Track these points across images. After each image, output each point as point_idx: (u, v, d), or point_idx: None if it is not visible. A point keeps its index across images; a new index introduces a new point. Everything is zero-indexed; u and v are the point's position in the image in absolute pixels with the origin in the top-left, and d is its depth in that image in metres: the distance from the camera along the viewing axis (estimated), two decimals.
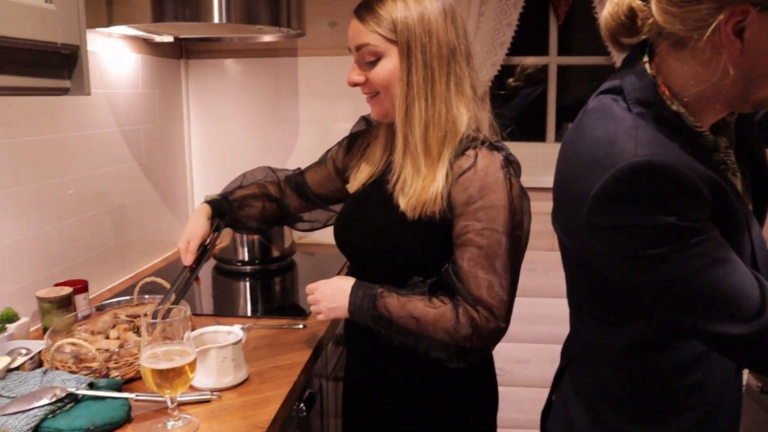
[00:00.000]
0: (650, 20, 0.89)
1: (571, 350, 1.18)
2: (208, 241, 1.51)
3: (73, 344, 1.33)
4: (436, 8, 1.24)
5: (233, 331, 1.38)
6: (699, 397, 1.05)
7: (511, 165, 1.23)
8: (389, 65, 1.25)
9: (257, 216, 1.61)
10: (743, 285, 0.85)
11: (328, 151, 1.61)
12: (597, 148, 0.89)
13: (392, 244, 1.28)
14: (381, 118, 1.34)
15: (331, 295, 1.34)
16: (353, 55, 1.30)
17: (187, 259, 1.46)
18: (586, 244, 0.93)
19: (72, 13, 1.09)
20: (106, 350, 1.37)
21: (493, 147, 1.23)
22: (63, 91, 1.12)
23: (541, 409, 1.27)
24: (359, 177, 1.42)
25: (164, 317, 1.20)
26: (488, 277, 1.18)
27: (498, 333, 1.20)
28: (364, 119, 1.54)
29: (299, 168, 1.67)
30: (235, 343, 1.32)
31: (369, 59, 1.26)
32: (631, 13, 0.91)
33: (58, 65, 1.10)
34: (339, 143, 1.58)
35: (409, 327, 1.23)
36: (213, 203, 1.57)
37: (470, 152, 1.22)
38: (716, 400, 1.07)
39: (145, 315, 1.17)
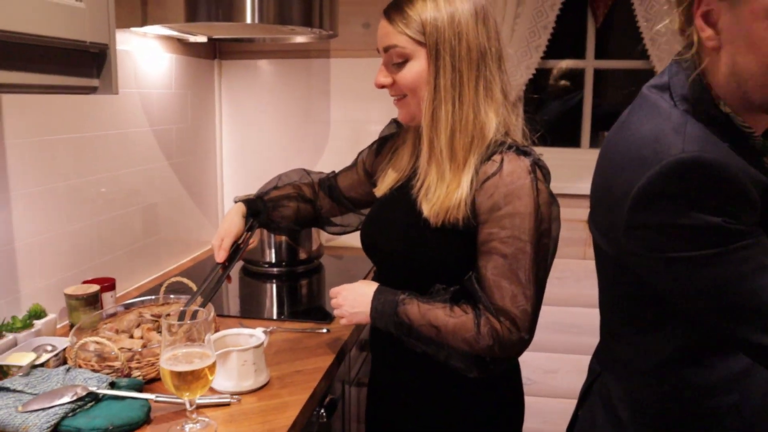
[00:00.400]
0: None
1: (600, 363, 1.14)
2: (241, 240, 1.52)
3: (97, 342, 1.33)
4: (467, 9, 1.20)
5: (255, 335, 1.37)
6: (736, 418, 1.00)
7: (540, 170, 1.19)
8: (417, 68, 1.22)
9: (291, 217, 1.61)
10: None
11: (359, 154, 1.59)
12: (642, 144, 0.85)
13: (415, 249, 1.26)
14: (408, 121, 1.32)
15: (353, 299, 1.32)
16: (381, 56, 1.28)
17: (220, 256, 1.47)
18: (626, 246, 0.89)
19: (101, 12, 1.09)
20: (129, 349, 1.37)
21: (521, 152, 1.19)
22: (91, 90, 1.12)
23: (567, 423, 1.23)
24: (386, 181, 1.40)
25: (192, 318, 1.21)
26: (512, 287, 1.14)
27: (521, 344, 1.17)
28: (395, 122, 1.52)
29: (333, 171, 1.65)
30: (257, 347, 1.31)
31: (396, 61, 1.24)
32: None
33: (87, 64, 1.10)
34: (369, 146, 1.56)
35: (429, 335, 1.20)
36: (248, 203, 1.56)
37: (496, 157, 1.18)
38: (755, 423, 1.02)
39: (168, 315, 1.17)
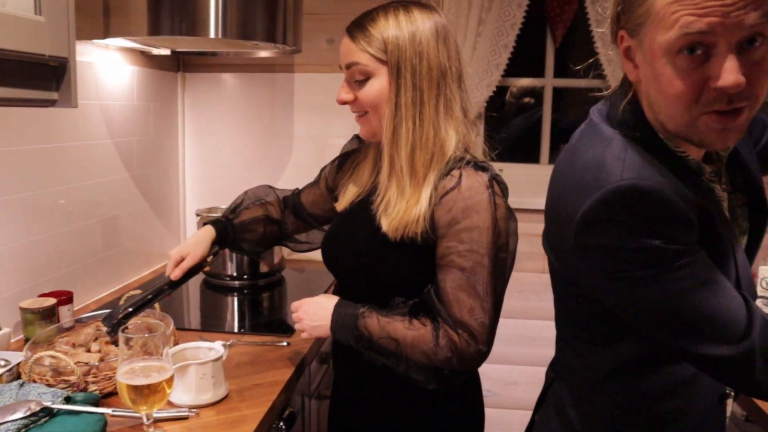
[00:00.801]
0: None
1: (555, 370, 1.17)
2: (201, 264, 1.51)
3: (52, 357, 1.32)
4: (428, 29, 1.23)
5: (214, 348, 1.37)
6: (682, 422, 1.04)
7: (497, 185, 1.21)
8: (378, 85, 1.25)
9: (257, 241, 1.62)
10: (730, 306, 0.85)
11: (322, 170, 1.61)
12: (586, 170, 0.90)
13: (375, 264, 1.28)
14: (369, 137, 1.34)
15: (314, 313, 1.33)
16: (344, 73, 1.30)
17: (175, 274, 1.46)
18: (574, 265, 0.94)
19: (61, 26, 1.09)
20: (86, 363, 1.36)
21: (479, 167, 1.21)
22: (50, 103, 1.12)
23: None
24: (347, 196, 1.42)
25: (122, 323, 1.30)
26: (470, 300, 1.17)
27: (479, 356, 1.19)
28: (357, 138, 1.53)
29: (297, 188, 1.67)
30: (215, 360, 1.31)
31: (358, 78, 1.26)
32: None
33: (46, 77, 1.10)
34: (332, 162, 1.58)
35: (388, 348, 1.22)
36: (217, 226, 1.56)
37: (455, 172, 1.20)
38: (699, 428, 1.06)
39: (126, 329, 1.16)
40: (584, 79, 2.57)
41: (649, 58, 0.85)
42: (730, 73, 0.80)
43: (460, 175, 1.19)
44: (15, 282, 1.67)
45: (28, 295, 1.69)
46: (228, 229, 1.57)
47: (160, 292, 1.43)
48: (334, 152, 2.39)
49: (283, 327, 1.81)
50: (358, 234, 1.32)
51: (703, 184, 0.94)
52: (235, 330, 1.81)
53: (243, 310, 2.03)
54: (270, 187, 1.71)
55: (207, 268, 1.58)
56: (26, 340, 1.60)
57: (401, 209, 1.23)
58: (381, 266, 1.27)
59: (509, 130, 2.96)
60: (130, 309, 1.37)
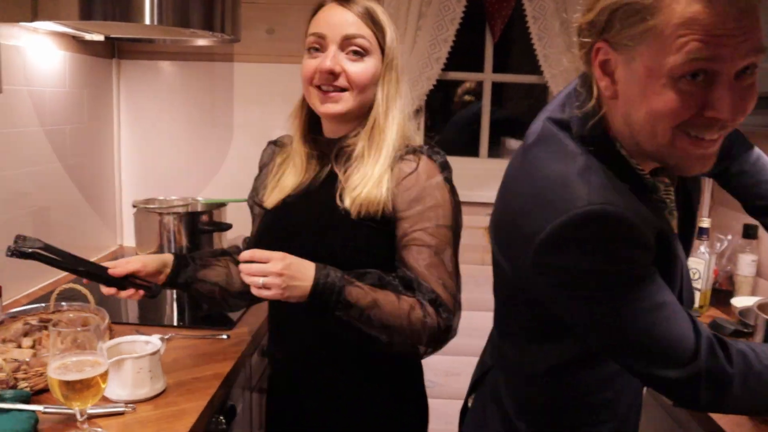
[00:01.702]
0: None
1: (491, 358, 1.19)
2: (144, 282, 1.34)
3: None
4: (395, 32, 1.34)
5: (152, 341, 1.34)
6: (612, 411, 1.08)
7: (447, 170, 1.29)
8: (373, 66, 1.28)
9: (221, 282, 1.45)
10: (681, 329, 0.88)
11: (248, 199, 1.54)
12: (548, 188, 0.90)
13: (334, 246, 1.26)
14: (338, 115, 1.30)
15: (296, 269, 1.16)
16: (329, 44, 1.27)
17: (117, 271, 1.31)
18: (530, 278, 0.94)
19: None
20: (15, 360, 1.31)
21: (433, 152, 1.29)
22: None
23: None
24: (280, 191, 1.38)
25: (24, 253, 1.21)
26: (441, 275, 1.21)
27: (451, 329, 1.23)
28: (272, 143, 1.53)
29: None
30: (153, 354, 1.29)
31: (356, 51, 1.26)
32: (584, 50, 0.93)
33: None
34: (252, 187, 1.53)
35: (375, 316, 1.18)
36: (177, 257, 1.42)
37: (411, 157, 1.27)
38: (627, 416, 1.11)
39: (57, 323, 1.13)
40: (523, 75, 2.63)
41: (641, 77, 0.84)
42: (728, 104, 0.81)
43: (419, 160, 1.26)
44: None
45: None
46: (188, 259, 1.43)
47: (84, 268, 1.30)
48: None
49: (224, 320, 1.78)
50: (311, 217, 1.31)
51: (656, 202, 0.97)
52: (174, 323, 1.78)
53: (182, 303, 1.99)
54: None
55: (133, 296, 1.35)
56: None
57: (366, 188, 1.25)
58: (341, 247, 1.25)
59: (451, 125, 3.00)
60: (40, 250, 1.24)
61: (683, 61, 0.80)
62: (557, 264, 0.89)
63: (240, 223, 2.29)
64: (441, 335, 1.23)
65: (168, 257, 1.40)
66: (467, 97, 3.19)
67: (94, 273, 1.30)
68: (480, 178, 2.50)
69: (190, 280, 1.40)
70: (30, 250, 1.23)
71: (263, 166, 1.51)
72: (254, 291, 1.14)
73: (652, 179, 0.96)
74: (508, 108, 3.03)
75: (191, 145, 2.49)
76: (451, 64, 2.44)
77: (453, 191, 1.29)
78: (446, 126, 3.00)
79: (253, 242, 1.46)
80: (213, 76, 2.45)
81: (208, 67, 2.45)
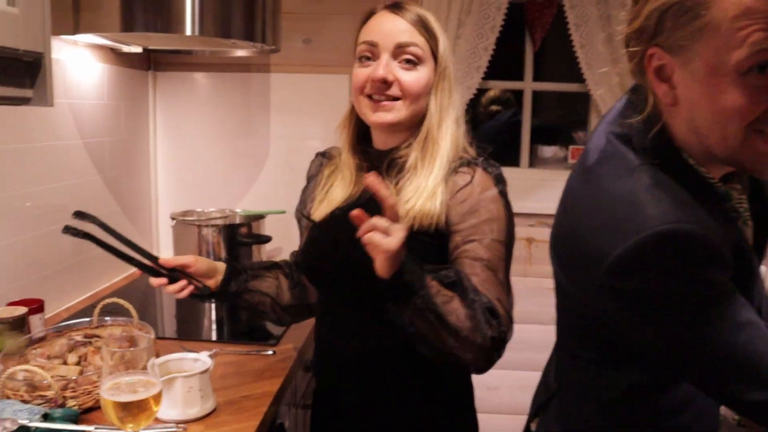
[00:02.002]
0: None
1: (558, 381, 1.14)
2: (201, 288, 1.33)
3: (27, 371, 1.24)
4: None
5: (200, 359, 1.31)
6: None
7: (502, 183, 1.25)
8: (426, 75, 1.25)
9: (272, 293, 1.44)
10: (766, 348, 0.82)
11: (296, 212, 1.50)
12: (616, 208, 0.85)
13: None
14: (392, 125, 1.26)
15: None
16: (381, 52, 1.24)
17: (167, 260, 1.32)
18: (599, 302, 0.89)
19: (37, 19, 1.03)
20: (63, 377, 1.28)
21: (488, 165, 1.25)
22: (23, 101, 1.05)
23: None
24: (329, 203, 1.35)
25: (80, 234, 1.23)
26: (496, 290, 1.15)
27: (504, 345, 1.16)
28: (320, 155, 1.49)
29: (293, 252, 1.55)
30: (203, 372, 1.25)
31: (409, 60, 1.23)
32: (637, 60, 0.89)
33: (19, 73, 1.03)
34: (300, 199, 1.49)
35: (447, 318, 1.09)
36: (229, 264, 1.42)
37: (466, 169, 1.23)
38: None
39: (110, 342, 1.10)
40: (564, 83, 2.57)
41: (703, 77, 0.79)
42: None
43: (474, 172, 1.22)
44: None
45: None
46: (239, 267, 1.43)
47: (141, 257, 1.31)
48: (309, 153, 2.33)
49: (265, 334, 1.75)
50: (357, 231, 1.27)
51: (729, 211, 0.91)
52: (214, 338, 1.75)
53: (220, 316, 1.96)
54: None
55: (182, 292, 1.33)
56: None
57: (420, 199, 1.21)
58: None
59: (480, 135, 2.95)
60: (98, 225, 1.33)
61: (748, 54, 0.75)
62: (628, 287, 0.84)
63: (279, 236, 2.27)
64: (496, 349, 1.16)
65: (219, 264, 1.40)
66: (493, 107, 3.15)
67: (145, 264, 1.31)
68: (521, 188, 2.44)
69: (241, 290, 1.39)
70: (84, 232, 1.27)
71: (311, 178, 1.48)
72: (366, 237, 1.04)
73: (724, 187, 0.91)
74: (540, 117, 2.98)
75: (227, 156, 2.47)
76: (487, 73, 2.40)
77: (508, 205, 1.24)
78: (474, 136, 2.95)
79: (301, 255, 1.43)
80: (249, 87, 2.43)
81: (244, 78, 2.43)
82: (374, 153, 1.34)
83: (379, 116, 1.26)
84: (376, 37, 1.24)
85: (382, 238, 1.00)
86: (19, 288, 1.70)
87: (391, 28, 1.24)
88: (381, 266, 1.03)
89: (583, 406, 1.06)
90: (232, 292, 1.39)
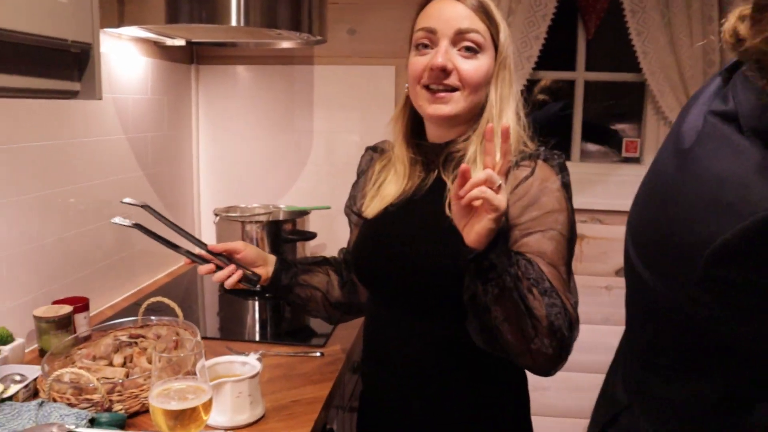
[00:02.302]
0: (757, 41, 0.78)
1: (629, 394, 1.05)
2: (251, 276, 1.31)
3: (73, 373, 1.21)
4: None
5: (249, 362, 1.26)
6: None
7: (565, 174, 1.16)
8: (487, 64, 1.18)
9: (323, 288, 1.40)
10: None
11: (345, 208, 1.45)
12: (723, 189, 0.76)
13: (442, 258, 1.14)
14: (450, 117, 1.19)
15: None
16: (440, 39, 1.17)
17: (215, 245, 1.30)
18: (695, 295, 0.81)
19: (84, 9, 0.98)
20: (109, 380, 1.25)
21: (549, 156, 1.16)
22: (71, 95, 1.01)
23: None
24: (381, 199, 1.29)
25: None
26: (559, 286, 1.06)
27: (572, 347, 1.08)
28: (371, 149, 1.44)
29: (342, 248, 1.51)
30: (252, 377, 1.20)
31: (469, 47, 1.16)
32: (736, 37, 0.80)
33: (67, 65, 0.99)
34: (350, 195, 1.44)
35: (527, 298, 1.02)
36: (279, 257, 1.40)
37: (527, 162, 1.14)
38: None
39: (157, 345, 1.05)
40: (618, 73, 2.46)
41: None
42: None
43: (535, 165, 1.14)
44: (28, 288, 1.56)
45: (41, 302, 1.58)
46: (288, 261, 1.40)
47: (191, 243, 1.32)
48: (352, 148, 2.28)
49: (311, 334, 1.70)
50: (416, 228, 1.21)
51: None
52: (258, 338, 1.70)
53: (264, 316, 1.92)
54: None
55: (232, 276, 1.29)
56: (41, 351, 1.50)
57: None
58: (452, 256, 1.10)
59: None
60: (149, 210, 1.33)
61: None
62: (734, 277, 0.75)
63: (323, 232, 2.22)
64: (566, 348, 1.06)
65: (269, 255, 1.38)
66: (540, 96, 3.04)
67: (193, 253, 1.29)
68: (573, 183, 2.34)
69: (292, 283, 1.37)
70: (131, 223, 1.27)
71: (361, 173, 1.42)
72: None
73: None
74: (588, 109, 2.86)
75: (270, 150, 2.43)
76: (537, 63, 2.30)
77: (570, 198, 1.15)
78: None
79: (351, 253, 1.37)
80: (292, 80, 2.38)
81: (287, 70, 2.38)
82: (429, 147, 1.27)
83: (437, 108, 1.19)
84: (435, 23, 1.17)
85: (495, 195, 0.92)
86: (64, 286, 1.68)
87: (451, 14, 1.16)
88: (483, 230, 0.95)
89: (663, 423, 0.97)
90: (283, 285, 1.36)
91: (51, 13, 0.91)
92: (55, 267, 1.65)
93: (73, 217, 1.72)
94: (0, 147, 1.44)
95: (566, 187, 1.15)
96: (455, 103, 1.18)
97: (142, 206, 1.33)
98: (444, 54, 1.16)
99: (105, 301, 1.88)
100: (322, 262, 1.46)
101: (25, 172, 1.53)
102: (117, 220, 1.26)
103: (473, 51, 1.16)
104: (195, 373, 1.03)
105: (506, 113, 1.19)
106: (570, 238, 1.13)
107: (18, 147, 1.50)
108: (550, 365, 1.06)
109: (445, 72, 1.16)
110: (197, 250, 1.32)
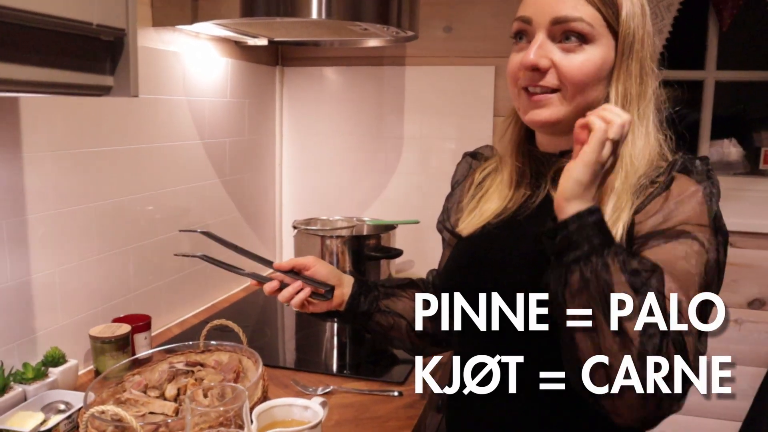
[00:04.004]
0: None
1: None
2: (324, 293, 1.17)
3: (114, 413, 1.06)
4: (645, 8, 0.96)
5: (311, 407, 1.07)
6: None
7: (710, 185, 0.90)
8: (599, 57, 0.92)
9: (408, 315, 1.21)
10: None
11: (438, 224, 1.25)
12: None
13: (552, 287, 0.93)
14: (550, 125, 0.98)
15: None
16: (536, 30, 0.95)
17: (280, 263, 1.17)
18: None
19: None
20: (155, 417, 1.10)
21: (689, 164, 0.92)
22: (103, 91, 0.85)
23: None
24: (482, 212, 1.09)
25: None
26: (682, 307, 0.82)
27: (684, 397, 0.81)
28: (469, 156, 1.23)
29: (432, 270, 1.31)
30: (313, 427, 1.01)
31: (570, 39, 0.93)
32: None
33: (98, 56, 0.84)
34: (442, 211, 1.24)
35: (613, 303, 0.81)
36: (360, 281, 1.23)
37: (662, 178, 0.91)
38: None
39: (193, 392, 0.89)
40: (757, 72, 2.12)
41: None
42: None
43: (671, 177, 0.91)
44: (86, 305, 1.44)
45: (100, 320, 1.47)
46: (370, 284, 1.23)
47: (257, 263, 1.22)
48: (445, 156, 2.04)
49: (394, 362, 1.49)
50: (521, 251, 1.00)
51: None
52: (334, 370, 1.51)
53: (343, 341, 1.74)
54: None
55: (304, 305, 1.17)
56: (96, 372, 1.38)
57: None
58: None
59: None
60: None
61: None
62: None
63: (410, 249, 2.02)
64: (665, 398, 0.80)
65: (345, 276, 1.20)
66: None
67: (259, 275, 1.18)
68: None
69: (372, 309, 1.19)
70: (199, 254, 1.22)
71: (456, 184, 1.21)
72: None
73: None
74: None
75: (356, 158, 2.26)
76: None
77: (717, 217, 0.90)
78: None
79: (440, 276, 1.17)
80: (382, 82, 2.20)
81: (376, 71, 2.20)
82: (540, 156, 1.05)
83: (533, 114, 0.97)
84: (530, 11, 0.95)
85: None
86: (126, 301, 1.56)
87: (549, 1, 0.93)
88: (573, 177, 0.83)
89: None
90: (362, 311, 1.18)
91: None
92: (120, 281, 1.54)
93: (143, 227, 1.60)
94: (61, 152, 1.34)
95: (711, 202, 0.89)
96: (554, 108, 0.95)
97: (202, 232, 1.26)
98: (537, 49, 0.93)
99: (174, 317, 1.75)
100: (408, 285, 1.26)
101: (91, 178, 1.42)
102: (183, 252, 1.26)
103: (578, 42, 0.92)
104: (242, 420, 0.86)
105: (633, 115, 0.95)
106: (717, 259, 0.88)
107: (80, 152, 1.39)
108: (636, 412, 0.81)
109: (540, 71, 0.94)
110: (268, 271, 1.19)
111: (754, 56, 2.19)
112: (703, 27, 2.12)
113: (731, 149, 2.35)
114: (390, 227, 1.97)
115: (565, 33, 0.93)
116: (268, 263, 1.20)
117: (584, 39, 0.93)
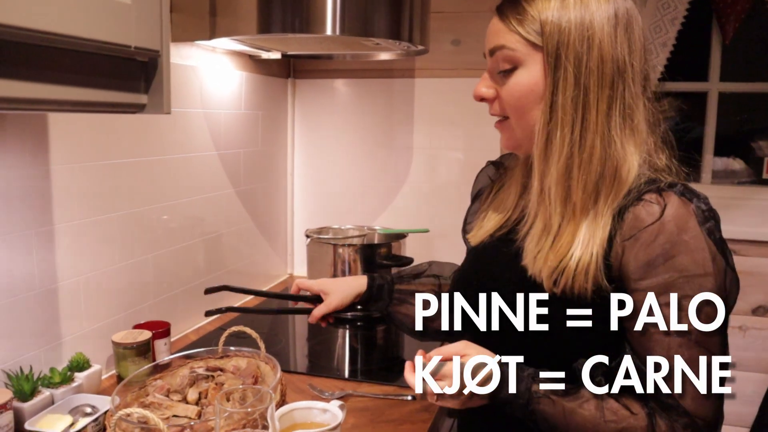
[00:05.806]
0: None
1: None
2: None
3: (140, 415, 1.11)
4: (604, 12, 0.91)
5: (330, 410, 1.11)
6: None
7: (708, 216, 0.87)
8: (527, 78, 0.94)
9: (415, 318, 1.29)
10: None
11: (462, 233, 1.28)
12: None
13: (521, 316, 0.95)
14: (511, 148, 1.05)
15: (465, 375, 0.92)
16: (487, 62, 1.01)
17: (313, 316, 1.34)
18: None
19: (152, 12, 0.87)
20: (179, 419, 1.14)
21: (686, 192, 0.88)
22: (138, 108, 0.90)
23: None
24: (485, 225, 1.12)
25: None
26: (696, 378, 0.84)
27: None
28: (491, 164, 1.25)
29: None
30: (333, 429, 1.05)
31: (503, 67, 0.96)
32: None
33: (133, 76, 0.88)
34: (464, 219, 1.27)
35: None
36: (372, 282, 1.33)
37: (651, 197, 0.88)
38: None
39: (220, 396, 0.93)
40: (760, 83, 2.17)
41: None
42: None
43: (664, 205, 0.86)
44: (108, 311, 1.49)
45: (122, 326, 1.51)
46: (383, 291, 1.32)
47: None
48: (454, 167, 2.08)
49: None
50: (501, 276, 1.02)
51: None
52: (347, 375, 1.56)
53: (355, 348, 1.78)
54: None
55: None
56: (119, 377, 1.42)
57: (545, 248, 0.93)
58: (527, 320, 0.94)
59: None
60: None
61: None
62: None
63: (420, 258, 2.06)
64: None
65: (356, 288, 1.33)
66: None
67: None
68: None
69: (381, 311, 1.34)
70: (224, 308, 1.39)
71: (477, 192, 1.25)
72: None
73: None
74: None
75: (367, 168, 2.30)
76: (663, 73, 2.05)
77: (724, 251, 0.87)
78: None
79: (451, 282, 1.22)
80: (391, 94, 2.25)
81: (386, 84, 2.25)
82: None
83: (501, 140, 1.05)
84: (484, 47, 1.02)
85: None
86: (147, 308, 1.61)
87: (488, 33, 0.99)
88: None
89: None
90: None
91: (112, 17, 0.80)
92: (140, 288, 1.59)
93: (162, 236, 1.65)
94: (86, 164, 1.39)
95: (713, 235, 0.86)
96: (510, 132, 1.01)
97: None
98: (482, 81, 1.01)
99: (189, 324, 1.80)
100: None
101: (114, 189, 1.47)
102: (210, 311, 1.37)
103: (511, 68, 0.96)
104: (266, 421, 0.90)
105: (566, 124, 0.92)
106: (724, 302, 0.85)
107: (105, 164, 1.44)
108: None
109: (487, 101, 1.01)
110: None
111: (757, 68, 2.22)
112: (707, 40, 2.17)
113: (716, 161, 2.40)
114: (400, 236, 2.01)
115: (498, 62, 0.97)
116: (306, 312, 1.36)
117: (513, 63, 0.96)
